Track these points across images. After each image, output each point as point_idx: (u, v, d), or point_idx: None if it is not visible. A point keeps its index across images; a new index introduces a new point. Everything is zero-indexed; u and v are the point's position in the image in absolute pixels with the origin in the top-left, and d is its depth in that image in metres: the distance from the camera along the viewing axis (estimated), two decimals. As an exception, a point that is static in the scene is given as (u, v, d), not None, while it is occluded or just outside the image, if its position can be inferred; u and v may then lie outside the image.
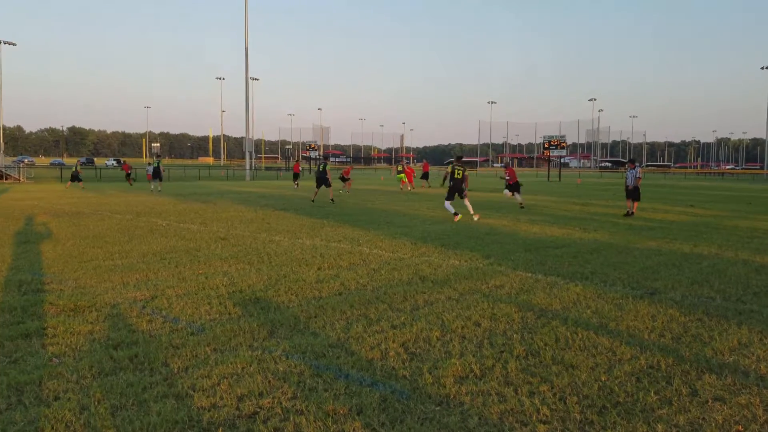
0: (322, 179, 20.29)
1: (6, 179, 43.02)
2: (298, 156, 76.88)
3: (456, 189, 14.41)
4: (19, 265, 7.84)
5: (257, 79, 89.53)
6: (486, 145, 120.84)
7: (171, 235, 11.01)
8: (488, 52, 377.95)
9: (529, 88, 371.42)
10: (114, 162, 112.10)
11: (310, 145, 68.87)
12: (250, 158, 55.39)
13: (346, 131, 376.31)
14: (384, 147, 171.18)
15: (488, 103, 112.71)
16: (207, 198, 22.05)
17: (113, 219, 13.80)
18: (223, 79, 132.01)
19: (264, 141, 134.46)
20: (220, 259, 8.42)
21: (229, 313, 5.48)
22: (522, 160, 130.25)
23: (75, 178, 33.34)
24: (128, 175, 38.90)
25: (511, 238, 10.79)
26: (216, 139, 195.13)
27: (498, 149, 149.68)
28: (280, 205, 18.78)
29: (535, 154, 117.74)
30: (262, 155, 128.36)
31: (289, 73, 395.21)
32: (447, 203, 14.52)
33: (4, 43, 57.25)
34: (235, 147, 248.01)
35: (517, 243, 10.18)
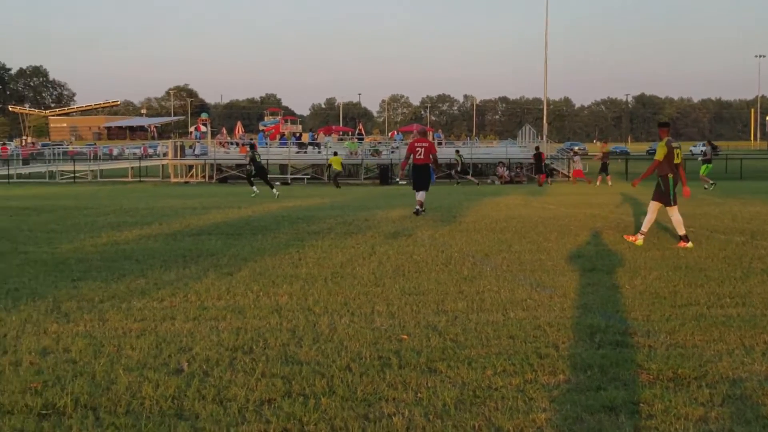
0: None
1: (550, 176, 50.75)
2: None
3: None
4: (587, 303, 9.13)
5: None
6: None
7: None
8: None
9: None
10: (705, 148, 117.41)
11: None
12: None
13: None
14: None
15: None
16: None
17: (711, 241, 14.62)
18: None
19: None
20: None
21: None
22: None
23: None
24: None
25: None
26: None
27: None
28: None
29: None
30: None
31: None
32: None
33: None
34: None
35: None
